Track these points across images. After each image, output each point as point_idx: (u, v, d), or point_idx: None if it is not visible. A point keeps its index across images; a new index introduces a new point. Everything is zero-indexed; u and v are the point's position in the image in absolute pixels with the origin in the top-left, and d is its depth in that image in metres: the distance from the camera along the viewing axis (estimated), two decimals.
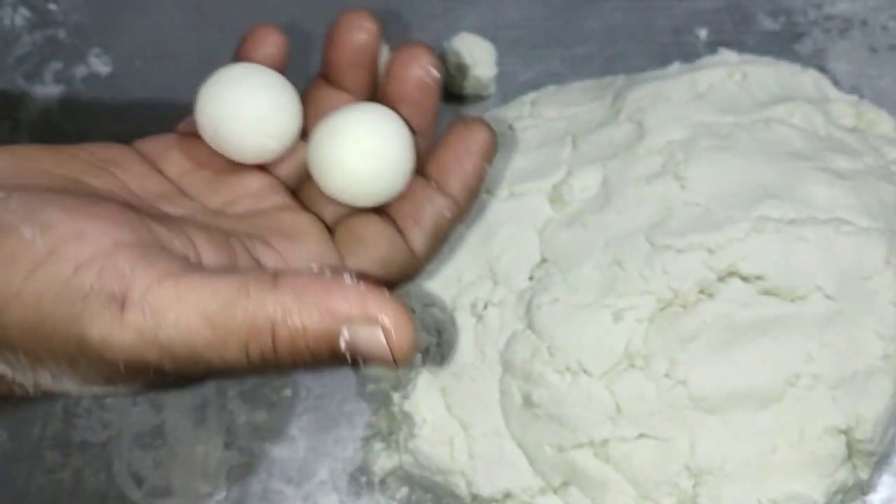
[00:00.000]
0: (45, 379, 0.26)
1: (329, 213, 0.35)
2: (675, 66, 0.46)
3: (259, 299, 0.25)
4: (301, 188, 0.36)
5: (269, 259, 0.31)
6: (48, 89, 0.53)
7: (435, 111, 0.36)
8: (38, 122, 0.52)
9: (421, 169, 0.35)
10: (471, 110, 0.51)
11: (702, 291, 0.37)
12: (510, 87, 0.51)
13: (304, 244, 0.32)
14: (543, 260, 0.39)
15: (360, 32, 0.35)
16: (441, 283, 0.40)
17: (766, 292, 0.37)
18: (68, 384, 0.27)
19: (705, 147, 0.40)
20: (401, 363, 0.26)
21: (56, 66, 0.54)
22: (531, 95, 0.46)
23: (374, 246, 0.33)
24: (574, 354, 0.37)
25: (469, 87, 0.52)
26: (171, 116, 0.51)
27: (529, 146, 0.43)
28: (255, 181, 0.35)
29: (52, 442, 0.43)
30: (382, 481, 0.40)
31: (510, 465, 0.37)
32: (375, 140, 0.33)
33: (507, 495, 0.37)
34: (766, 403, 0.36)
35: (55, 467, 0.42)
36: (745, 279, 0.37)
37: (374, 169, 0.33)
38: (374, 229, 0.34)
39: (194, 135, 0.35)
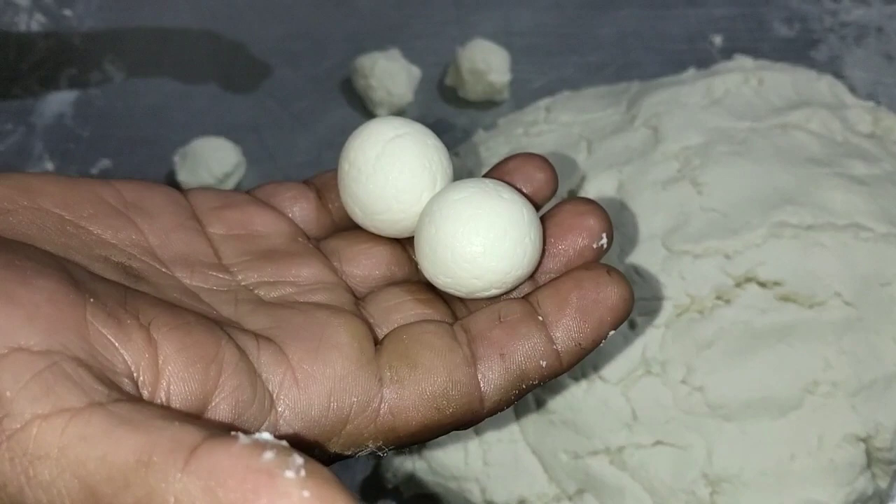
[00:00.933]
0: None
1: (393, 318, 0.27)
2: (691, 72, 0.46)
3: (157, 480, 0.18)
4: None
5: (275, 376, 0.23)
6: (63, 95, 0.54)
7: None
8: (52, 127, 0.52)
9: (531, 294, 0.27)
10: (484, 116, 0.51)
11: (719, 297, 0.37)
12: (524, 94, 0.51)
13: (329, 360, 0.24)
14: None
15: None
16: None
17: (784, 298, 0.36)
18: None
19: (722, 152, 0.40)
20: None
21: (71, 71, 0.55)
22: (546, 101, 0.46)
23: (428, 374, 0.25)
24: (590, 360, 0.36)
25: (482, 93, 0.52)
26: (185, 123, 0.52)
27: (544, 151, 0.42)
28: (310, 270, 0.28)
29: None
30: (395, 488, 0.40)
31: (525, 472, 0.37)
32: (482, 228, 0.27)
33: (522, 502, 0.37)
34: (785, 411, 0.35)
35: None
36: (762, 285, 0.37)
37: (492, 249, 0.26)
38: (435, 350, 0.25)
39: (266, 203, 0.30)
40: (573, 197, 0.30)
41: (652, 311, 0.37)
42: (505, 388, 0.26)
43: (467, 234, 0.26)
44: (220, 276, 0.26)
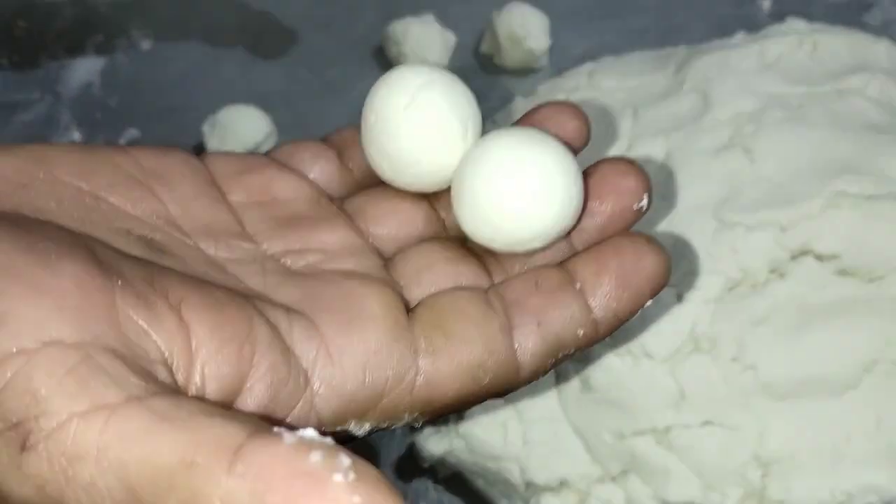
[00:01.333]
0: None
1: (421, 284, 0.26)
2: (740, 36, 0.44)
3: (203, 483, 0.17)
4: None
5: (308, 352, 0.23)
6: (90, 63, 0.53)
7: None
8: (79, 97, 0.51)
9: (569, 261, 0.27)
10: (522, 84, 0.49)
11: (773, 271, 0.35)
12: (563, 61, 0.50)
13: (363, 333, 0.23)
14: None
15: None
16: None
17: (843, 272, 0.35)
18: None
19: (776, 119, 0.38)
20: None
21: (97, 39, 0.53)
22: (588, 66, 0.44)
23: (464, 344, 0.24)
24: (636, 337, 0.35)
25: (520, 60, 0.50)
26: (214, 91, 0.50)
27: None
28: (335, 236, 0.27)
29: None
30: (431, 467, 0.39)
31: (566, 452, 0.36)
32: (536, 167, 0.26)
33: (563, 483, 0.36)
34: (841, 390, 0.34)
35: None
36: (819, 258, 0.35)
37: (539, 195, 0.25)
38: (471, 317, 0.25)
39: (285, 166, 0.28)
40: (611, 157, 0.29)
41: (702, 286, 0.35)
42: (542, 357, 0.25)
43: (515, 179, 0.25)
44: (245, 245, 0.25)
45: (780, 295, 0.34)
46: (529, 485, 0.36)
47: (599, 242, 0.27)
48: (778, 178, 0.37)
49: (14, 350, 0.18)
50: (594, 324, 0.26)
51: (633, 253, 0.26)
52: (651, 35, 0.51)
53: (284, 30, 0.53)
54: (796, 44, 0.42)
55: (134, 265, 0.21)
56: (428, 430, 0.39)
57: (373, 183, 0.29)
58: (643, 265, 0.26)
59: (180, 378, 0.20)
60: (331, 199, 0.28)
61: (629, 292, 0.26)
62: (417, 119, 0.26)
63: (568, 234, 0.27)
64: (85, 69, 0.52)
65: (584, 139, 0.29)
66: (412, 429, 0.40)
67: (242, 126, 0.47)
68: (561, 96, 0.43)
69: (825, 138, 0.38)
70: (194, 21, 0.54)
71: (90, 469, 0.17)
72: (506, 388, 0.25)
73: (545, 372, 0.26)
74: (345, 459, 0.16)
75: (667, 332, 0.35)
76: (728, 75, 0.40)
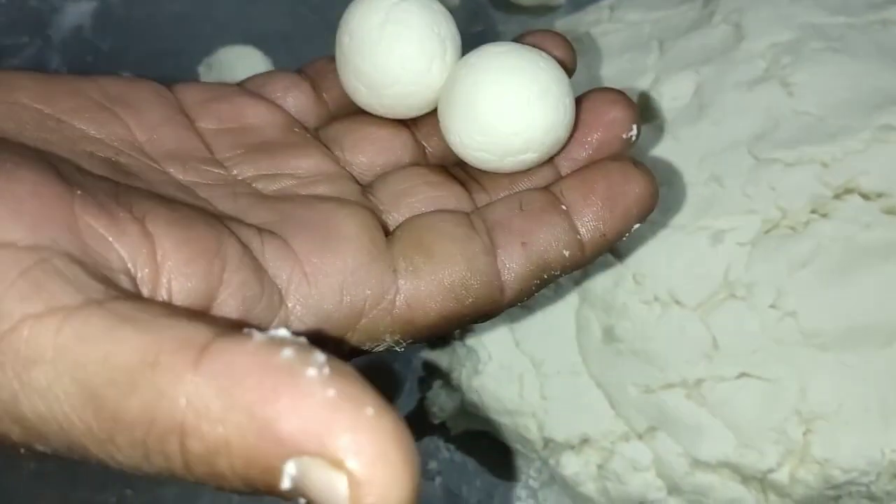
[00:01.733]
0: None
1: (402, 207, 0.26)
2: None
3: (167, 382, 0.16)
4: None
5: (283, 271, 0.22)
6: (81, 5, 0.50)
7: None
8: (70, 41, 0.49)
9: (554, 184, 0.26)
10: (538, 23, 0.46)
11: (815, 211, 0.32)
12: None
13: (339, 253, 0.23)
14: None
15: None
16: None
17: (891, 211, 0.32)
18: None
19: (815, 49, 0.35)
20: None
21: None
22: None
23: (446, 263, 0.24)
24: (664, 283, 0.32)
25: None
26: (211, 32, 0.47)
27: (610, 52, 0.38)
28: (309, 161, 0.26)
29: None
30: (443, 423, 0.36)
31: (588, 407, 0.33)
32: (530, 74, 0.25)
33: (585, 440, 0.33)
34: (891, 339, 0.31)
35: None
36: (865, 196, 0.32)
37: (540, 102, 0.25)
38: (452, 237, 0.24)
39: (256, 95, 0.27)
40: (600, 87, 0.28)
41: (736, 227, 0.32)
42: (526, 278, 0.25)
43: (510, 85, 0.25)
44: (215, 170, 0.25)
45: (823, 236, 0.32)
46: (548, 442, 0.34)
47: (586, 166, 0.26)
48: (818, 112, 0.34)
49: None
50: (580, 244, 0.25)
51: (621, 175, 0.26)
52: None
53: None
54: None
55: (96, 179, 0.20)
56: (438, 384, 0.36)
57: (349, 114, 0.28)
58: (631, 187, 0.25)
59: (145, 291, 0.19)
60: (305, 128, 0.28)
61: (617, 213, 0.25)
62: (393, 35, 0.26)
63: (553, 160, 0.27)
64: (76, 11, 0.50)
65: (572, 67, 0.28)
66: (420, 383, 0.38)
67: (240, 67, 0.44)
68: (581, 31, 0.40)
69: (869, 69, 0.35)
70: None
71: (46, 373, 0.16)
72: (490, 309, 0.25)
73: (530, 294, 0.25)
74: (319, 356, 0.16)
75: (698, 276, 0.32)
76: (762, 4, 0.37)
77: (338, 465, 0.15)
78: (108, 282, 0.18)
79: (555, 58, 0.27)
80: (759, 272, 0.32)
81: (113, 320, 0.17)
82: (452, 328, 0.25)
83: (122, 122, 0.24)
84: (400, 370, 0.38)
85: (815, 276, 0.31)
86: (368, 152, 0.27)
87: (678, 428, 0.32)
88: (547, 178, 0.27)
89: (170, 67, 0.47)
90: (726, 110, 0.34)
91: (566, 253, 0.25)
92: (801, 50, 0.35)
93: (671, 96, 0.36)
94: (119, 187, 0.20)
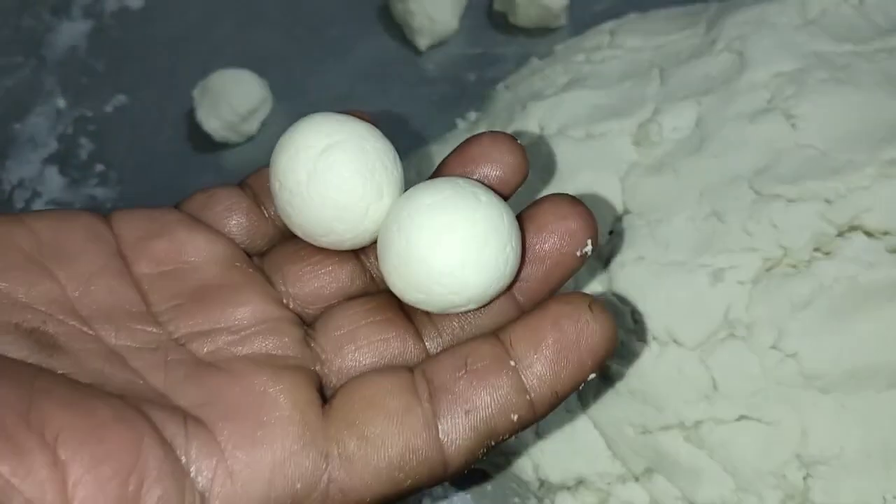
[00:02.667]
0: None
1: (346, 363, 0.24)
2: None
3: None
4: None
5: (206, 471, 0.21)
6: (76, 25, 0.50)
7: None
8: (64, 61, 0.48)
9: (504, 331, 0.24)
10: (538, 45, 0.46)
11: (817, 249, 0.31)
12: (583, 19, 0.46)
13: (268, 443, 0.22)
14: (626, 211, 0.34)
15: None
16: None
17: None
18: None
19: (820, 80, 0.35)
20: None
21: (85, 0, 0.50)
22: (610, 24, 0.41)
23: (381, 447, 0.22)
24: (663, 321, 0.32)
25: (536, 18, 0.46)
26: (207, 54, 0.47)
27: (609, 80, 0.37)
28: (248, 309, 0.25)
29: None
30: None
31: (584, 448, 0.33)
32: (465, 230, 0.24)
33: (581, 482, 0.33)
34: (893, 382, 0.30)
35: None
36: (870, 234, 0.32)
37: (472, 261, 0.23)
38: (389, 414, 0.23)
39: (198, 221, 0.27)
40: (553, 195, 0.26)
41: (737, 265, 0.32)
42: (471, 449, 0.23)
43: (444, 244, 0.23)
44: (149, 329, 0.24)
45: (826, 275, 0.31)
46: (543, 483, 0.33)
47: (538, 308, 0.24)
48: (822, 146, 0.33)
49: None
50: (530, 406, 0.23)
51: (573, 322, 0.23)
52: None
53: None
54: None
55: (10, 388, 0.20)
56: None
57: (294, 237, 0.27)
58: (585, 337, 0.23)
59: None
60: (249, 255, 0.27)
61: (569, 370, 0.23)
62: (322, 189, 0.25)
63: (509, 289, 0.25)
64: (71, 31, 0.49)
65: (524, 174, 0.27)
66: None
67: (235, 91, 0.44)
68: (580, 57, 0.39)
69: (874, 101, 0.34)
70: None
71: None
72: (432, 483, 0.23)
73: (477, 461, 0.24)
74: None
75: (698, 316, 0.32)
76: (766, 32, 0.37)
77: None
78: None
79: (506, 165, 0.26)
80: (760, 312, 0.31)
81: None
82: (399, 497, 0.23)
83: (54, 277, 0.23)
84: None
85: (817, 316, 0.31)
86: (312, 284, 0.26)
87: (676, 470, 0.31)
88: (502, 309, 0.25)
89: (164, 90, 0.47)
90: (728, 143, 0.34)
91: (514, 417, 0.23)
92: (804, 80, 0.35)
93: (672, 127, 0.35)
94: (35, 389, 0.20)
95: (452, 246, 0.23)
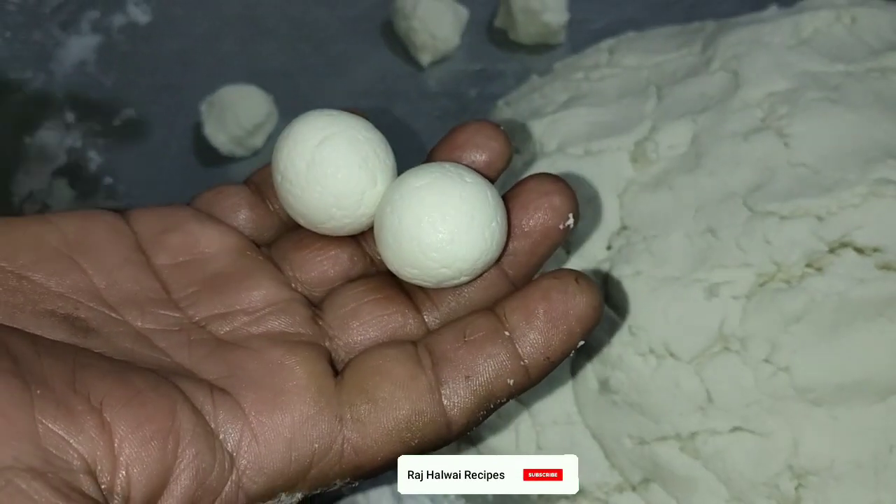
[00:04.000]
0: None
1: (355, 336, 0.26)
2: (773, 10, 0.41)
3: None
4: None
5: (233, 434, 0.23)
6: (85, 40, 0.50)
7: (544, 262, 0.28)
8: (73, 75, 0.49)
9: (498, 305, 0.26)
10: (538, 61, 0.47)
11: (809, 265, 0.32)
12: (582, 36, 0.47)
13: (288, 408, 0.24)
14: (623, 227, 0.35)
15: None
16: None
17: (886, 267, 0.32)
18: None
19: (812, 99, 0.35)
20: None
21: (93, 14, 0.51)
22: (608, 42, 0.42)
23: (390, 409, 0.24)
24: (659, 335, 0.32)
25: (536, 35, 0.47)
26: (213, 69, 0.48)
27: (607, 98, 0.38)
28: (261, 293, 0.27)
29: None
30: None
31: (584, 459, 0.34)
32: (454, 208, 0.25)
33: (580, 491, 0.33)
34: (884, 395, 0.31)
35: None
36: (860, 251, 0.32)
37: (460, 236, 0.25)
38: (396, 381, 0.24)
39: (208, 216, 0.28)
40: (536, 174, 0.28)
41: (731, 281, 0.32)
42: (472, 411, 0.25)
43: (433, 222, 0.25)
44: (172, 314, 0.26)
45: (818, 291, 0.32)
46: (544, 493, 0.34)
47: (529, 284, 0.26)
48: (815, 164, 0.34)
49: None
50: (525, 371, 0.25)
51: (562, 294, 0.25)
52: (676, 8, 0.48)
53: (287, 4, 0.51)
54: (834, 18, 0.39)
55: (55, 362, 0.21)
56: None
57: (298, 227, 0.29)
58: (573, 306, 0.25)
59: (105, 480, 0.20)
60: (257, 245, 0.28)
61: (559, 337, 0.25)
62: (320, 178, 0.26)
63: (498, 261, 0.27)
64: (80, 46, 0.50)
65: (507, 159, 0.29)
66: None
67: (242, 106, 0.44)
68: (579, 74, 0.40)
69: (866, 120, 0.35)
70: None
71: None
72: (438, 444, 0.25)
73: (478, 423, 0.26)
74: None
75: (693, 330, 0.32)
76: (760, 52, 0.37)
77: None
78: (69, 490, 0.19)
79: (491, 150, 0.28)
80: (754, 326, 0.32)
81: None
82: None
83: (81, 269, 0.25)
84: None
85: (809, 330, 0.31)
86: (317, 269, 0.28)
87: (672, 481, 0.32)
88: (493, 282, 0.27)
89: (172, 104, 0.47)
90: (722, 161, 0.35)
91: (510, 382, 0.25)
92: (797, 100, 0.35)
93: (668, 144, 0.36)
94: (77, 365, 0.22)
95: (441, 223, 0.25)
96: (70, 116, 0.48)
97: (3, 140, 0.47)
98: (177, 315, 0.26)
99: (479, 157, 0.28)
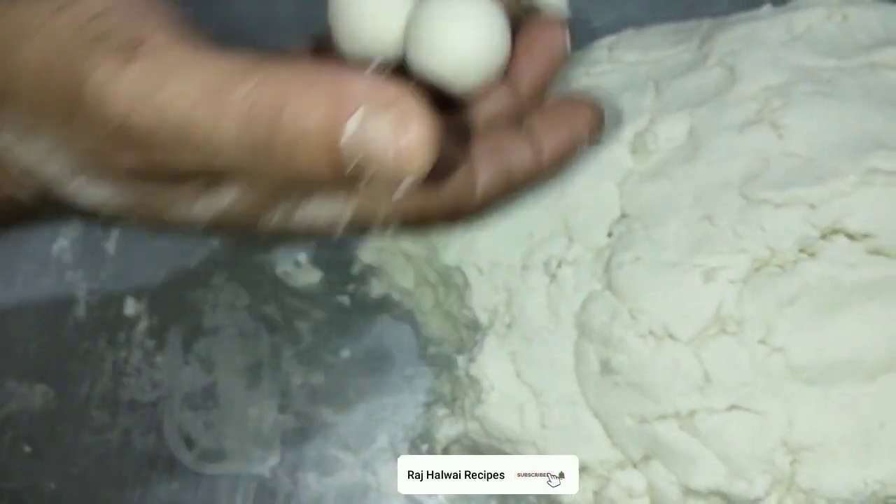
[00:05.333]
0: (40, 150, 0.24)
1: None
2: (767, 8, 0.43)
3: (266, 78, 0.22)
4: None
5: None
6: None
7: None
8: None
9: (515, 117, 0.30)
10: None
11: (802, 250, 0.34)
12: (582, 34, 0.47)
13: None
14: (624, 215, 0.36)
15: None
16: (511, 240, 0.37)
17: (876, 252, 0.33)
18: (57, 167, 0.24)
19: (805, 92, 0.37)
20: (408, 171, 0.21)
21: None
22: (609, 39, 0.43)
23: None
24: (659, 317, 0.34)
25: None
26: None
27: (609, 92, 0.39)
28: None
29: (99, 401, 0.41)
30: (445, 449, 0.38)
31: (586, 437, 0.35)
32: (473, 16, 0.29)
33: (583, 468, 0.35)
34: (874, 374, 0.32)
35: (103, 427, 0.41)
36: (851, 237, 0.34)
37: (474, 47, 0.28)
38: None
39: None
40: (540, 20, 0.32)
41: (728, 265, 0.34)
42: (493, 183, 0.28)
43: (450, 32, 0.28)
44: None
45: (811, 275, 0.33)
46: None
47: (544, 106, 0.30)
48: (807, 154, 0.35)
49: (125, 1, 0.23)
50: (537, 159, 0.29)
51: (571, 106, 0.30)
52: (674, 7, 0.49)
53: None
54: (826, 16, 0.40)
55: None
56: (441, 413, 0.38)
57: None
58: (580, 114, 0.30)
59: None
60: None
61: (570, 136, 0.29)
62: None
63: (511, 83, 0.30)
64: None
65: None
66: (424, 411, 0.39)
67: None
68: (580, 70, 0.41)
69: (857, 113, 0.36)
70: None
71: (178, 76, 0.22)
72: (465, 211, 0.28)
73: (500, 197, 0.28)
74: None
75: (691, 312, 0.34)
76: (755, 48, 0.39)
77: (386, 105, 0.21)
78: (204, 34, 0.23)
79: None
80: (750, 309, 0.33)
81: (220, 50, 0.22)
82: (434, 222, 0.28)
83: None
84: (406, 398, 0.40)
85: (803, 313, 0.33)
86: None
87: (671, 457, 0.33)
88: (505, 95, 0.30)
89: None
90: (719, 151, 0.36)
91: (527, 165, 0.29)
92: (791, 93, 0.37)
93: (666, 137, 0.37)
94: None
95: (456, 34, 0.28)
96: None
97: None
98: None
99: None
